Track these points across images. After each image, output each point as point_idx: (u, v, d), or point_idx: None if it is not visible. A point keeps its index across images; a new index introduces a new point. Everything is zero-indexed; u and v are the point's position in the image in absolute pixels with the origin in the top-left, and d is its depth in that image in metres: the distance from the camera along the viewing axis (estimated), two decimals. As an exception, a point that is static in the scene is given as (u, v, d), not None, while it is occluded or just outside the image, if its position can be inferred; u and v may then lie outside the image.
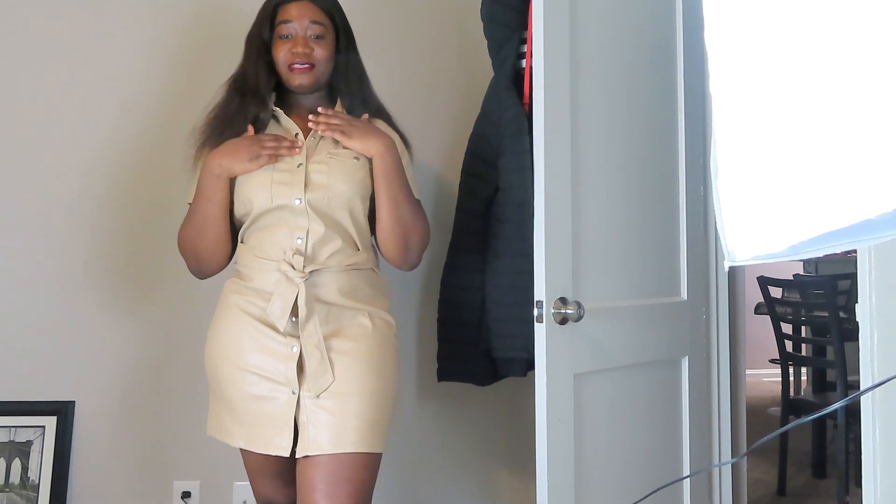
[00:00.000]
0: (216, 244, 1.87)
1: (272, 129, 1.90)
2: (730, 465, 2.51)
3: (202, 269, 1.93)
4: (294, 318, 1.79)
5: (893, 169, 0.54)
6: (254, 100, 1.89)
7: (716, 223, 0.64)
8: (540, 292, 1.81)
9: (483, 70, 2.35)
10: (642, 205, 2.15)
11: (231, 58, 1.99)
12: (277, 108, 1.92)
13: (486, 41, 2.30)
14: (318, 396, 1.77)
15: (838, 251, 0.62)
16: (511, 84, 2.21)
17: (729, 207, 0.63)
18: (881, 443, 1.53)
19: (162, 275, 2.53)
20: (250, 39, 1.95)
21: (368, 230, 1.92)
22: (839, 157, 0.57)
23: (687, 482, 2.25)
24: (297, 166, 1.84)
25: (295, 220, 1.81)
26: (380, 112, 2.01)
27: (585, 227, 1.93)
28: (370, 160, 1.88)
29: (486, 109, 2.27)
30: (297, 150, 1.83)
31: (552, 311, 1.81)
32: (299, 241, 1.80)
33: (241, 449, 1.88)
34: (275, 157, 1.81)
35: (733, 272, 2.66)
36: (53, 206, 2.51)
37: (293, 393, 1.78)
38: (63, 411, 2.47)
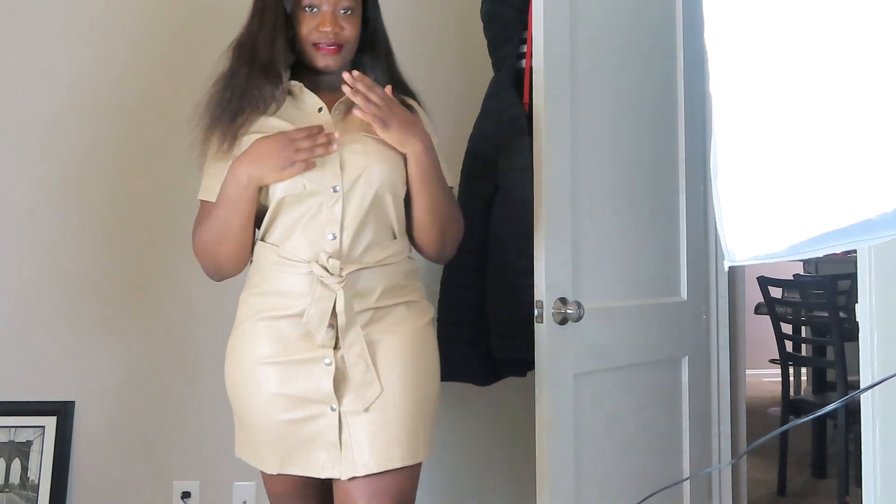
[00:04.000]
0: (241, 251, 1.66)
1: (287, 106, 1.67)
2: (730, 466, 2.51)
3: (221, 274, 1.71)
4: (331, 327, 1.59)
5: (893, 169, 0.54)
6: (268, 76, 1.63)
7: (716, 223, 0.64)
8: (540, 292, 1.81)
9: (483, 70, 2.35)
10: (642, 204, 2.15)
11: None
12: (296, 83, 1.68)
13: (486, 41, 2.30)
14: (366, 410, 1.59)
15: (838, 251, 0.62)
16: (511, 84, 2.21)
17: (729, 207, 0.63)
18: (881, 443, 1.53)
19: (162, 275, 2.53)
20: (264, 3, 1.68)
21: (405, 215, 1.72)
22: (839, 158, 0.57)
23: (687, 482, 2.25)
24: None
25: (329, 210, 1.59)
26: (405, 89, 1.80)
27: (585, 227, 1.93)
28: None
29: (486, 109, 2.27)
30: (334, 146, 1.58)
31: (552, 311, 1.81)
32: (332, 239, 1.60)
33: (264, 473, 1.68)
34: (312, 163, 1.57)
35: (733, 272, 2.66)
36: (53, 207, 2.51)
37: (333, 409, 1.59)
38: (63, 411, 2.47)
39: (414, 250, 1.79)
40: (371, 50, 1.75)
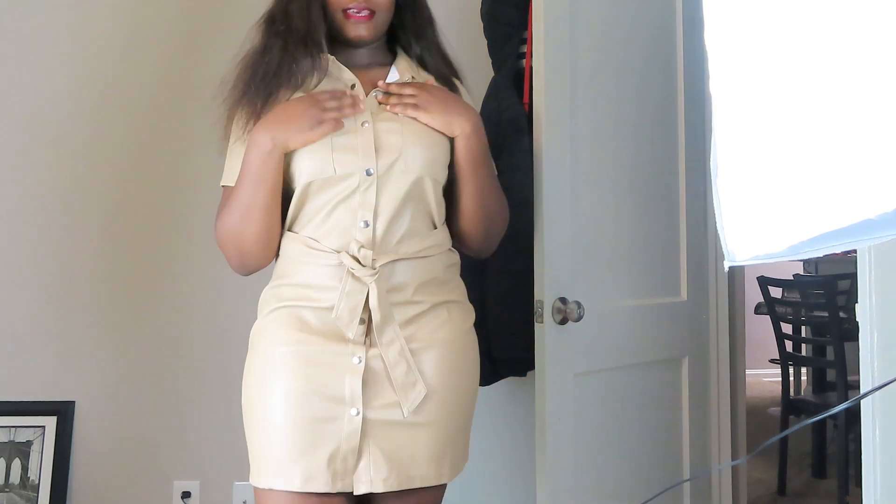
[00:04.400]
0: (268, 234, 1.48)
1: (320, 84, 1.52)
2: (730, 466, 2.51)
3: (247, 265, 1.53)
4: (362, 323, 1.44)
5: (893, 169, 0.54)
6: (306, 47, 1.47)
7: (716, 223, 0.64)
8: (540, 292, 1.81)
9: (483, 70, 2.35)
10: (642, 204, 2.15)
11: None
12: (330, 56, 1.52)
13: (486, 41, 2.30)
14: (407, 415, 1.44)
15: (838, 251, 0.62)
16: (511, 84, 2.21)
17: (729, 207, 0.63)
18: (881, 443, 1.53)
19: (163, 275, 2.53)
20: None
21: (444, 203, 1.56)
22: (839, 157, 0.57)
23: (687, 482, 2.25)
24: (362, 125, 1.46)
25: (362, 196, 1.43)
26: (448, 64, 1.65)
27: (585, 227, 1.93)
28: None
29: (485, 109, 2.27)
30: (361, 106, 1.44)
31: (552, 310, 1.81)
32: (365, 227, 1.44)
33: (266, 490, 1.46)
34: (341, 122, 1.42)
35: (733, 272, 2.66)
36: (53, 207, 2.51)
37: (356, 413, 1.42)
38: (63, 411, 2.47)
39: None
40: (410, 17, 1.59)
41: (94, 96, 2.54)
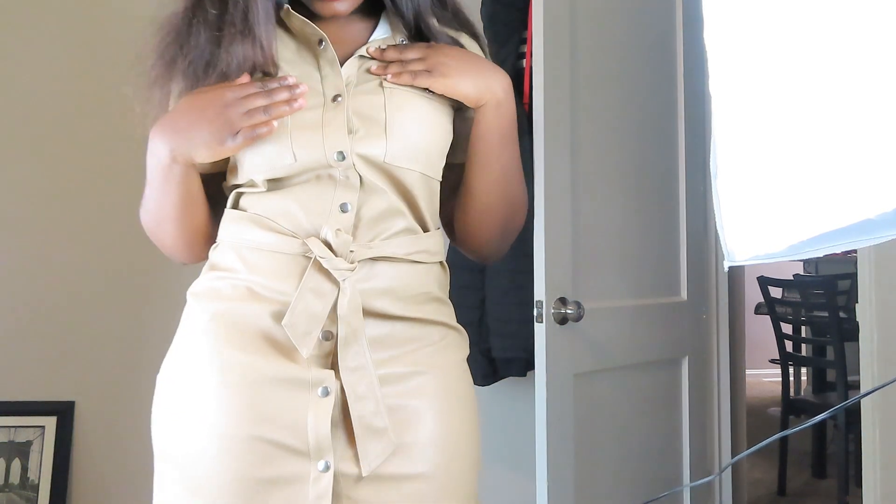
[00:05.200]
0: (186, 241, 1.15)
1: (281, 45, 1.10)
2: (730, 465, 2.51)
3: (179, 260, 1.22)
4: (328, 339, 1.05)
5: (893, 169, 0.54)
6: (244, 36, 1.05)
7: (716, 223, 0.64)
8: (540, 292, 1.80)
9: (483, 70, 2.35)
10: (642, 205, 2.15)
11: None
12: (286, 5, 1.10)
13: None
14: (367, 476, 1.03)
15: (838, 251, 0.62)
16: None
17: (729, 207, 0.63)
18: (881, 443, 1.53)
19: (162, 274, 2.53)
20: None
21: (439, 203, 1.17)
22: (838, 158, 0.57)
23: (686, 481, 2.25)
24: (334, 100, 1.07)
25: (333, 188, 1.06)
26: (460, 18, 1.20)
27: (585, 227, 1.93)
28: (451, 100, 1.13)
29: (486, 109, 2.27)
30: (300, 103, 1.03)
31: (552, 311, 1.81)
32: (342, 212, 1.05)
33: None
34: (270, 129, 1.03)
35: (733, 272, 2.66)
36: (54, 207, 2.51)
37: (325, 469, 1.01)
38: (63, 411, 2.47)
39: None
40: None
41: (98, 97, 2.54)
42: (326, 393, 1.02)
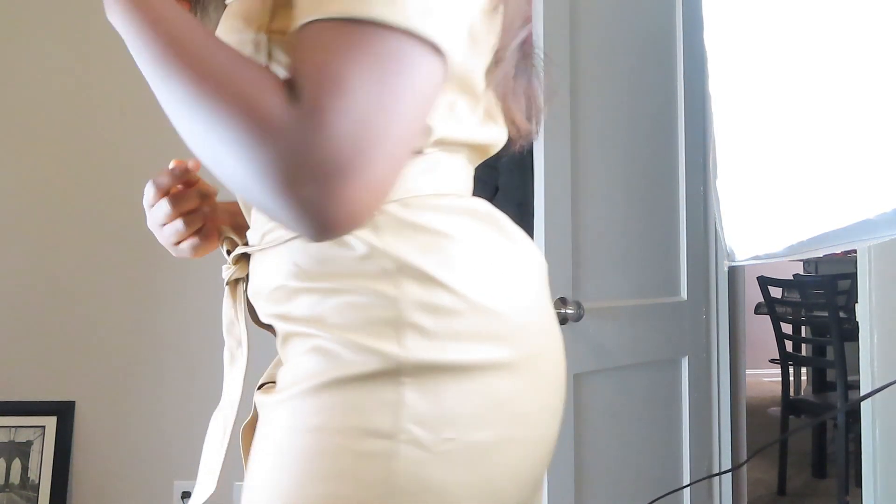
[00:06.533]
0: None
1: None
2: (730, 465, 2.51)
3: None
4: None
5: (893, 169, 0.54)
6: None
7: (716, 223, 0.64)
8: (540, 292, 1.80)
9: (483, 70, 2.35)
10: (642, 205, 2.15)
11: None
12: None
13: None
14: None
15: (838, 251, 0.62)
16: (511, 84, 2.21)
17: (729, 207, 0.63)
18: (881, 443, 1.53)
19: (162, 274, 2.53)
20: None
21: None
22: (838, 158, 0.57)
23: (686, 481, 2.25)
24: None
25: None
26: None
27: (585, 227, 1.93)
28: None
29: (486, 109, 2.27)
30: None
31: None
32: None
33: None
34: (192, 244, 0.95)
35: (733, 272, 2.66)
36: (54, 206, 2.51)
37: None
38: (63, 411, 2.47)
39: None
40: None
41: (98, 97, 2.54)
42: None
